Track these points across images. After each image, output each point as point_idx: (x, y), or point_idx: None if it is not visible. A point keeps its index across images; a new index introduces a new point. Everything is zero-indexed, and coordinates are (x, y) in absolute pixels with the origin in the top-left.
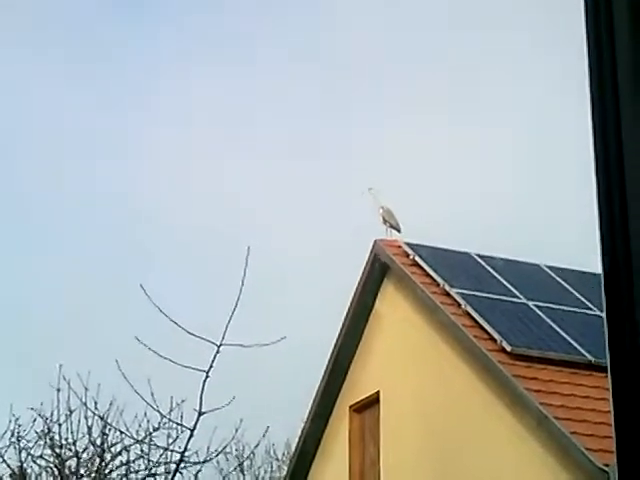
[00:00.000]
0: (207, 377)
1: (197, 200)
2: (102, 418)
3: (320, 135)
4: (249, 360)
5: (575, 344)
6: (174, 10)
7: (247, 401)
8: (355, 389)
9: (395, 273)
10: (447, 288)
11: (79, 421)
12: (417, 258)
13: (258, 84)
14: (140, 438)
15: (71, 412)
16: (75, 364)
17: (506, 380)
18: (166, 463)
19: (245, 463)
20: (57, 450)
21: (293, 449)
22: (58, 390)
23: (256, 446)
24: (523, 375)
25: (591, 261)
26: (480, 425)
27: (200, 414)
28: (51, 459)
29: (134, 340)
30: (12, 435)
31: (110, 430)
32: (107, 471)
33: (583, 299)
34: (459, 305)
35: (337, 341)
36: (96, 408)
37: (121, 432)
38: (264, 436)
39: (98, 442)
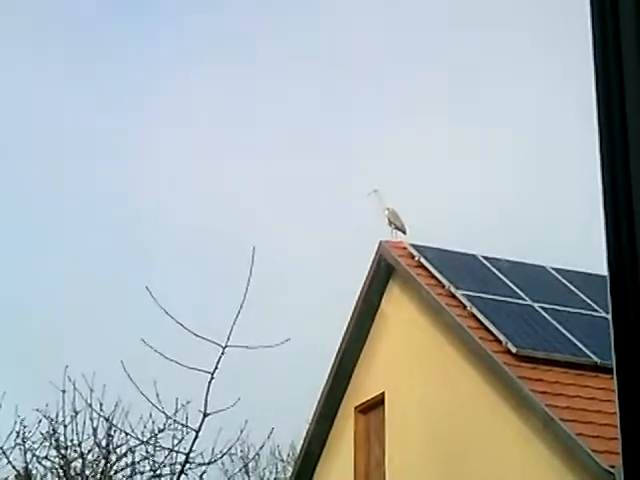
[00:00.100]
0: (212, 378)
1: (197, 200)
2: (107, 419)
3: (320, 135)
4: (253, 361)
5: (581, 345)
6: (174, 10)
7: (252, 402)
8: (360, 390)
9: (400, 274)
10: (452, 290)
11: (84, 422)
12: (422, 260)
13: (258, 84)
14: (145, 439)
15: (76, 413)
16: (76, 365)
17: (512, 382)
18: (171, 464)
19: (250, 464)
20: (62, 451)
21: (298, 450)
22: (63, 391)
23: (261, 447)
24: (529, 377)
25: (591, 261)
26: (486, 427)
27: (205, 415)
28: (56, 460)
29: (136, 341)
30: (17, 436)
31: (115, 431)
32: (112, 472)
33: (589, 301)
34: (464, 307)
35: (342, 342)
36: (101, 409)
37: (126, 433)
38: (269, 437)
39: (103, 443)
